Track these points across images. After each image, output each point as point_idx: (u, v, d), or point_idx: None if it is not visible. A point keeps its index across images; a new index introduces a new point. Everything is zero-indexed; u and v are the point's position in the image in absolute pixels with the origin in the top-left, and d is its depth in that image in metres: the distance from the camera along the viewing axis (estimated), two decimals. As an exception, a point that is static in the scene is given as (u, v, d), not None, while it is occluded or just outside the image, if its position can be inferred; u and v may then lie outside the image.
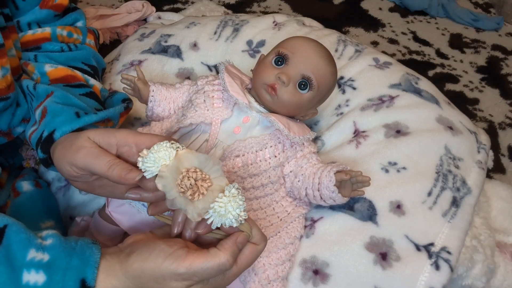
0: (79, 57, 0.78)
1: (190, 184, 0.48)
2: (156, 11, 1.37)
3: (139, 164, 0.49)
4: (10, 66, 0.67)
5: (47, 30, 0.75)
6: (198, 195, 0.48)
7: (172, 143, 0.50)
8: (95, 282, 0.47)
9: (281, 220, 0.67)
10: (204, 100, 0.69)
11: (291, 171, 0.68)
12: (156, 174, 0.49)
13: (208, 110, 0.68)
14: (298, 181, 0.67)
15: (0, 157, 0.82)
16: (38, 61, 0.74)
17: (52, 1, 0.74)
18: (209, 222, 0.48)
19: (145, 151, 0.50)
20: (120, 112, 0.71)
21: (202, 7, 1.53)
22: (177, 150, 0.49)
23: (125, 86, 0.75)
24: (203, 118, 0.67)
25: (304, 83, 0.66)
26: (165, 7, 1.80)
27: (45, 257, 0.48)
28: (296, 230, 0.66)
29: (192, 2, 1.80)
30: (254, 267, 0.62)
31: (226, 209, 0.47)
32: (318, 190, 0.65)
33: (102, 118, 0.66)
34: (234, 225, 0.48)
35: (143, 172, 0.49)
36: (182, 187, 0.48)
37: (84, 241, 0.51)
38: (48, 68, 0.73)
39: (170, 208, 0.49)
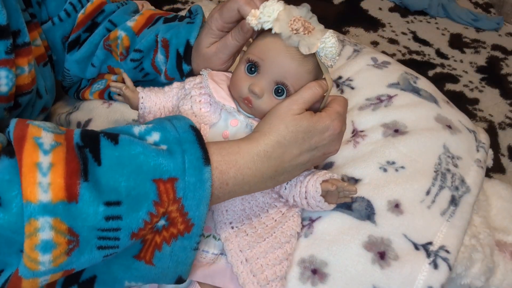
0: (132, 8, 0.87)
1: (300, 25, 0.61)
2: (156, 11, 1.37)
3: (252, 22, 0.63)
4: (34, 56, 0.71)
5: None
6: (308, 32, 0.61)
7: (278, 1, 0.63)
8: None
9: (275, 221, 0.67)
10: (191, 106, 0.67)
11: None
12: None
13: (195, 116, 0.66)
14: (285, 189, 0.67)
15: None
16: (117, 24, 0.83)
17: None
18: (321, 54, 0.61)
19: (253, 11, 0.63)
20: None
21: (202, 7, 1.53)
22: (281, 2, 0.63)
23: (115, 93, 0.75)
24: None
25: (280, 89, 0.63)
26: (165, 7, 1.80)
27: (149, 125, 0.56)
28: (292, 229, 0.66)
29: (192, 3, 1.81)
30: (252, 268, 0.62)
31: (334, 41, 0.61)
32: (306, 198, 0.65)
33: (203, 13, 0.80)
34: (335, 58, 0.62)
35: (257, 24, 0.62)
36: (294, 27, 0.60)
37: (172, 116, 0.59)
38: (129, 23, 0.82)
39: (287, 43, 0.61)
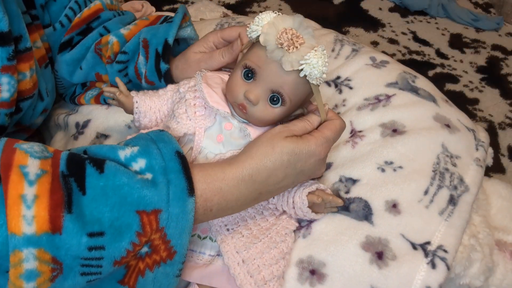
0: (128, 20, 0.88)
1: (287, 39, 0.58)
2: (156, 11, 1.37)
3: (247, 31, 0.62)
4: (35, 58, 0.73)
5: (98, 3, 0.85)
6: (293, 48, 0.58)
7: (273, 12, 0.62)
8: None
9: (270, 222, 0.67)
10: (186, 110, 0.67)
11: None
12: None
13: (190, 119, 0.66)
14: (273, 198, 0.67)
15: None
16: (110, 30, 0.83)
17: None
18: (301, 73, 0.59)
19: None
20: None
21: (202, 7, 1.53)
22: (276, 14, 0.62)
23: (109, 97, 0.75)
24: (186, 129, 0.65)
25: (276, 98, 0.62)
26: (165, 7, 1.80)
27: (134, 149, 0.56)
28: (286, 228, 0.66)
29: (192, 2, 1.81)
30: (249, 269, 0.62)
31: (317, 62, 0.58)
32: (293, 208, 0.65)
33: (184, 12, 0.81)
34: (320, 78, 0.59)
35: (250, 34, 0.62)
36: (280, 41, 0.58)
37: (154, 132, 0.59)
38: (123, 31, 0.82)
39: (269, 56, 0.59)
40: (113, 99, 0.73)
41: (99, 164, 0.52)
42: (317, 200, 0.63)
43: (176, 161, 0.55)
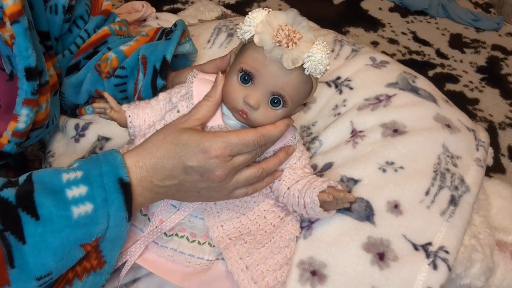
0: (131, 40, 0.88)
1: (284, 35, 0.55)
2: (156, 11, 1.37)
3: (237, 33, 0.60)
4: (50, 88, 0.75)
5: (105, 28, 0.87)
6: (292, 44, 0.55)
7: (264, 9, 0.59)
8: (129, 178, 0.56)
9: (274, 226, 0.66)
10: None
11: (271, 191, 0.69)
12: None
13: None
14: (283, 198, 0.66)
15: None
16: (112, 48, 0.84)
17: (99, 9, 0.88)
18: (306, 71, 0.57)
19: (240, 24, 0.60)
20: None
21: (201, 7, 1.53)
22: (267, 11, 0.59)
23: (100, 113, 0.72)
24: None
25: (276, 100, 0.60)
26: (165, 7, 1.80)
27: (78, 174, 0.55)
28: (290, 233, 0.66)
29: (192, 2, 1.81)
30: (253, 275, 0.61)
31: (321, 56, 0.56)
32: (304, 208, 0.64)
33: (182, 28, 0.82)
34: (323, 71, 0.58)
35: (242, 35, 0.59)
36: (277, 39, 0.55)
37: (104, 152, 0.59)
38: (122, 47, 0.83)
39: (268, 56, 0.56)
40: (105, 113, 0.71)
41: (32, 211, 0.52)
42: (328, 198, 0.62)
43: (118, 193, 0.55)
